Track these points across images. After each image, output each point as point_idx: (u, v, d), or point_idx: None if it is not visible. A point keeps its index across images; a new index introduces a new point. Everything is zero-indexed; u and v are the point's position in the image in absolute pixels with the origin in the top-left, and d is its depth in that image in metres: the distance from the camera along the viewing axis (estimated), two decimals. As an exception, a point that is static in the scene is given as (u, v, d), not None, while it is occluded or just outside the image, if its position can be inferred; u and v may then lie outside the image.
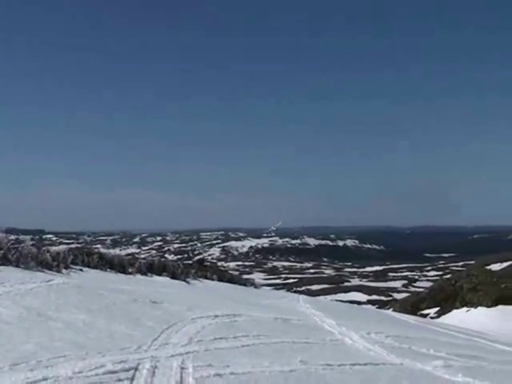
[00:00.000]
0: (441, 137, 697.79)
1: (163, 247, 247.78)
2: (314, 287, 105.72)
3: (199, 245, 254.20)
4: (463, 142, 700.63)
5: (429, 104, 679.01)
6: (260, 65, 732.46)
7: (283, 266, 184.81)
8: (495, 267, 42.47)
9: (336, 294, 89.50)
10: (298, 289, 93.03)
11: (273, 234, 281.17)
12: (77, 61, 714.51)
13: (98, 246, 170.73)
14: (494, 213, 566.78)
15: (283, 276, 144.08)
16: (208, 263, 48.22)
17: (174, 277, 21.98)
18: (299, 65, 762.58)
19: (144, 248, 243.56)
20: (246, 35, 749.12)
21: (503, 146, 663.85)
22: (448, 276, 61.40)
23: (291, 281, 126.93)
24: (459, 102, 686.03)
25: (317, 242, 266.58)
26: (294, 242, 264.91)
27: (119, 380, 5.36)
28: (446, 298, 38.80)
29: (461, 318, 31.41)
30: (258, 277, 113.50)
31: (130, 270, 20.63)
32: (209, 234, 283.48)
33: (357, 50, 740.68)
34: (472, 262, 65.68)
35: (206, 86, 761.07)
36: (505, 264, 42.43)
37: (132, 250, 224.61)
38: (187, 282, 21.88)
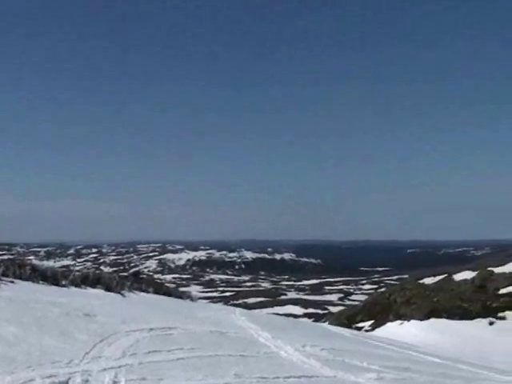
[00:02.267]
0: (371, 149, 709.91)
1: (99, 259, 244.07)
2: (251, 300, 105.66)
3: (136, 257, 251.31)
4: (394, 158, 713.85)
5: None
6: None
7: (220, 279, 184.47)
8: (428, 281, 43.30)
9: (273, 307, 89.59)
10: (235, 302, 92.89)
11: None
12: None
13: (31, 257, 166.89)
14: (427, 228, 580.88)
15: (220, 289, 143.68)
16: (144, 275, 47.72)
17: (108, 289, 21.61)
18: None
19: (79, 260, 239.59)
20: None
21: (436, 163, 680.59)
22: (382, 289, 62.28)
23: (228, 294, 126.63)
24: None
25: (254, 256, 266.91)
26: (231, 255, 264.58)
27: (49, 394, 5.26)
28: (380, 311, 39.29)
29: (394, 330, 31.85)
30: (194, 289, 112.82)
31: (63, 282, 20.20)
32: (145, 246, 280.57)
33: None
34: (406, 276, 66.81)
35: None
36: (437, 278, 43.31)
37: (67, 261, 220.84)
38: (122, 295, 21.56)
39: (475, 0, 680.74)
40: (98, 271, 32.09)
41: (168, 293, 27.30)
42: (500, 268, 38.52)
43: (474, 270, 40.42)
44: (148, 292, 25.31)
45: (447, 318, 31.88)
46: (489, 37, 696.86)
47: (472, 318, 31.30)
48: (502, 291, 34.62)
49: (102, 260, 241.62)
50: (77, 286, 20.67)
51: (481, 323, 30.55)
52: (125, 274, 44.58)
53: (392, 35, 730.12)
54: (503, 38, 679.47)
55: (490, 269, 38.82)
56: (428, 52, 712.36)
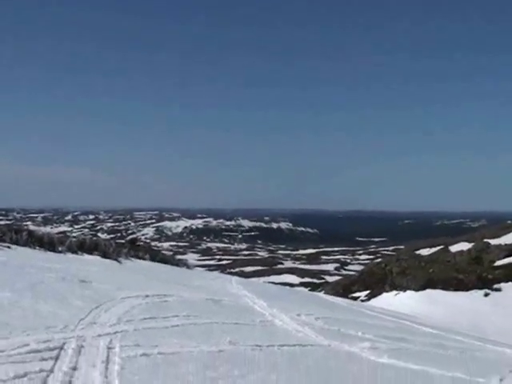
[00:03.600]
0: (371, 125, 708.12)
1: (96, 226, 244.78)
2: (248, 269, 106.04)
3: (133, 224, 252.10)
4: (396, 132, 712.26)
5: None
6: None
7: (217, 247, 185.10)
8: (424, 252, 43.41)
9: (269, 276, 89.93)
10: (232, 270, 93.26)
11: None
12: None
13: (28, 223, 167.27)
14: (424, 198, 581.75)
15: (217, 257, 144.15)
16: (141, 243, 47.79)
17: (105, 256, 21.63)
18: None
19: (76, 226, 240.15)
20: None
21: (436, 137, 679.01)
22: (378, 260, 62.50)
23: (225, 262, 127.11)
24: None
25: (251, 224, 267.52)
26: (228, 223, 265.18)
27: (43, 359, 5.24)
28: (376, 282, 39.44)
29: (390, 301, 31.99)
30: (191, 257, 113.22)
31: (59, 249, 20.21)
32: (143, 213, 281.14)
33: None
34: (402, 247, 66.94)
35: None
36: (433, 249, 43.43)
37: (64, 228, 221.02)
38: (119, 262, 21.59)
39: None
40: (94, 238, 32.08)
41: (164, 260, 27.36)
42: (496, 240, 38.61)
43: (469, 242, 40.52)
44: (144, 259, 25.37)
45: (442, 289, 32.00)
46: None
47: (467, 290, 31.42)
48: (498, 263, 34.74)
49: (99, 227, 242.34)
50: (73, 252, 20.70)
51: (476, 295, 30.68)
52: (122, 241, 44.69)
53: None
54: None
55: (485, 240, 38.91)
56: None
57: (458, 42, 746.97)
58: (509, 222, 45.47)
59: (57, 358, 5.35)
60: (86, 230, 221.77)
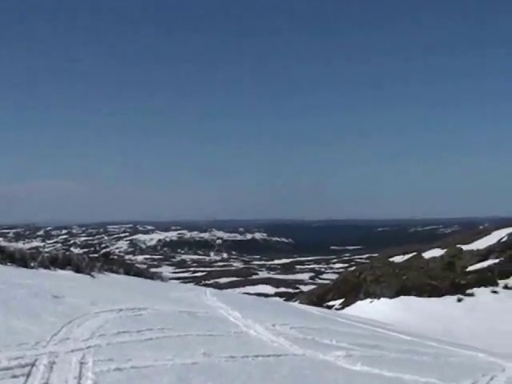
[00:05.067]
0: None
1: (69, 240, 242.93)
2: (223, 280, 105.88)
3: (106, 238, 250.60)
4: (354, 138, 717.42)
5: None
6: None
7: (192, 260, 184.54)
8: (398, 259, 43.79)
9: (244, 286, 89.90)
10: (207, 282, 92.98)
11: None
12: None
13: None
14: (398, 206, 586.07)
15: (191, 269, 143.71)
16: (115, 256, 47.49)
17: (78, 270, 21.45)
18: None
19: (49, 241, 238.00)
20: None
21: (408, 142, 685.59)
22: (353, 268, 62.80)
23: (199, 274, 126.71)
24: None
25: (225, 235, 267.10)
26: (202, 235, 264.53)
27: (14, 376, 5.20)
28: (350, 290, 39.61)
29: (364, 309, 32.13)
30: (166, 270, 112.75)
31: (32, 264, 20.00)
32: (116, 227, 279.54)
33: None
34: (376, 255, 67.35)
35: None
36: (407, 256, 43.80)
37: (36, 243, 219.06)
38: (92, 276, 21.42)
39: None
40: (67, 252, 31.81)
41: (139, 273, 27.22)
42: (468, 245, 39.07)
43: (442, 248, 40.96)
44: (118, 273, 25.20)
45: (416, 295, 32.24)
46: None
47: (441, 296, 31.71)
48: (470, 268, 35.14)
49: (72, 241, 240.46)
50: (46, 267, 20.48)
51: (449, 300, 30.98)
52: (95, 255, 44.36)
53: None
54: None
55: (458, 246, 39.35)
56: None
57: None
58: (481, 227, 46.04)
59: (28, 375, 5.30)
60: (59, 244, 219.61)
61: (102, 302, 11.22)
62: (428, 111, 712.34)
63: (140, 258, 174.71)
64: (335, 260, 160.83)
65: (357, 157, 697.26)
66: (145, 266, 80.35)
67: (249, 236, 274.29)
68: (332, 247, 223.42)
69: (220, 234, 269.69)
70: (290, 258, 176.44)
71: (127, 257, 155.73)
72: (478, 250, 37.22)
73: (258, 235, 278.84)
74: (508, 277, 32.61)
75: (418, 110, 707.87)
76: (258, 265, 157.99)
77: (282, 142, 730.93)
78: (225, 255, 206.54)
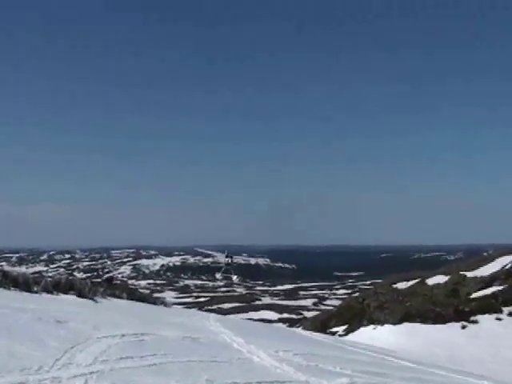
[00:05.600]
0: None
1: (72, 265, 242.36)
2: (226, 306, 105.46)
3: (109, 263, 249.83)
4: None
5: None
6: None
7: (195, 285, 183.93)
8: (401, 286, 43.57)
9: (247, 312, 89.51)
10: (210, 307, 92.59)
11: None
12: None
13: (2, 263, 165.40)
14: (401, 232, 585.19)
15: (195, 294, 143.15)
16: (118, 281, 47.42)
17: (81, 295, 21.45)
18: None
19: (52, 266, 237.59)
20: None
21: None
22: (356, 294, 62.52)
23: (203, 299, 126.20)
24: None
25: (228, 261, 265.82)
26: (205, 260, 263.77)
27: (17, 402, 5.19)
28: (354, 316, 39.42)
29: (368, 335, 31.95)
30: (169, 295, 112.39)
31: (35, 289, 20.01)
32: (119, 251, 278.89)
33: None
34: (379, 281, 67.08)
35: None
36: (410, 282, 43.59)
37: (39, 267, 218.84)
38: (95, 301, 21.40)
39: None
40: (70, 277, 31.79)
41: (142, 298, 27.17)
42: (472, 272, 38.88)
43: (446, 275, 40.77)
44: (121, 298, 25.15)
45: (420, 322, 32.04)
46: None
47: (445, 322, 31.50)
48: (474, 295, 34.94)
49: (75, 266, 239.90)
50: (49, 292, 20.47)
51: (453, 327, 30.77)
52: (98, 279, 44.30)
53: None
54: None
55: (462, 273, 39.17)
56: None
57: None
58: (485, 254, 45.86)
59: (32, 400, 5.30)
60: (62, 269, 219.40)
61: (104, 327, 11.19)
62: (429, 137, 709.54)
63: (143, 282, 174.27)
64: (338, 286, 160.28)
65: (361, 182, 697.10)
66: (148, 291, 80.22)
67: (252, 261, 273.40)
68: (335, 273, 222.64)
69: (223, 259, 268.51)
70: (293, 283, 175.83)
71: (130, 282, 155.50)
72: (481, 277, 37.04)
73: (261, 260, 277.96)
74: (512, 304, 32.44)
75: (418, 137, 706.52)
76: (261, 290, 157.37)
77: (285, 165, 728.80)
78: (227, 281, 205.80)
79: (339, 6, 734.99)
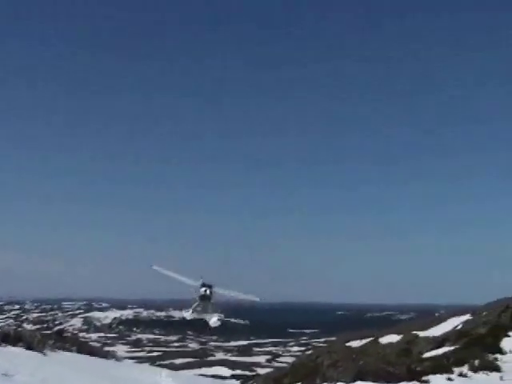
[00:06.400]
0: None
1: (21, 316, 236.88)
2: (179, 361, 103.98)
3: (60, 314, 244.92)
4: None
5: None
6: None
7: (147, 339, 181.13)
8: (355, 344, 43.66)
9: (200, 368, 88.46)
10: (162, 362, 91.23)
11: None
12: None
13: None
14: (355, 290, 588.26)
15: (147, 349, 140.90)
16: (68, 334, 46.52)
17: (29, 347, 21.03)
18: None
19: (0, 317, 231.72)
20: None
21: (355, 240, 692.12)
22: (310, 352, 62.38)
23: (155, 354, 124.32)
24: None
25: (182, 315, 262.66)
26: (159, 314, 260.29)
27: None
28: (307, 374, 39.23)
29: (321, 393, 31.87)
30: (120, 349, 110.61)
31: (-18, 340, 19.59)
32: (71, 303, 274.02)
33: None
34: (333, 339, 67.07)
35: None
36: (364, 341, 43.72)
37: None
38: (44, 354, 20.99)
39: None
40: (19, 329, 31.12)
41: (92, 352, 26.74)
42: (424, 332, 39.24)
43: (398, 334, 41.06)
44: (71, 351, 24.74)
45: (373, 381, 32.01)
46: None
47: (397, 382, 31.52)
48: (426, 355, 35.18)
49: (24, 317, 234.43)
50: (-4, 344, 20.06)
51: (405, 387, 30.82)
52: (48, 332, 43.41)
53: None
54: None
55: (414, 333, 39.49)
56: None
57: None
58: (436, 314, 46.40)
59: None
60: (11, 320, 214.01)
61: (52, 382, 11.03)
62: (386, 193, 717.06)
63: (94, 336, 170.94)
64: (292, 343, 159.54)
65: (317, 240, 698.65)
66: (99, 345, 78.80)
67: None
68: (289, 330, 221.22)
69: (176, 313, 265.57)
70: (246, 339, 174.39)
71: (81, 334, 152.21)
72: (434, 337, 37.36)
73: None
74: (463, 364, 32.69)
75: (376, 191, 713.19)
76: (214, 346, 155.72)
77: (236, 218, 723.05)
78: (180, 335, 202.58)
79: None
